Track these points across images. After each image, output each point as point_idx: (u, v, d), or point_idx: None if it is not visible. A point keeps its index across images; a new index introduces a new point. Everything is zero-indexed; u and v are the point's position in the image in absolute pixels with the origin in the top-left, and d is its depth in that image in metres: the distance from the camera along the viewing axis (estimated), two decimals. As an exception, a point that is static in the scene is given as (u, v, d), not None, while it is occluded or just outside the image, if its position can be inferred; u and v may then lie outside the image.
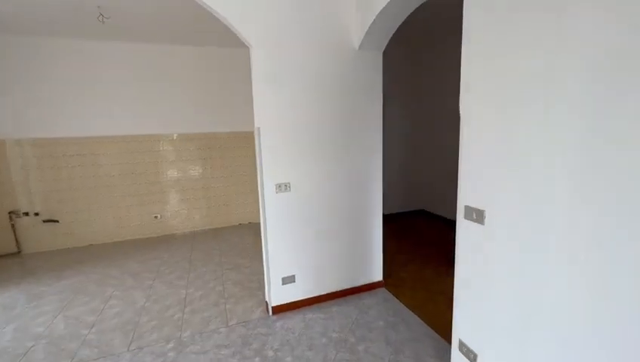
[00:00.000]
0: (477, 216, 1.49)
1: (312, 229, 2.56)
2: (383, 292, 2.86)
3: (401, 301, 2.69)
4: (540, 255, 1.22)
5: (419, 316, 2.47)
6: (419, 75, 5.06)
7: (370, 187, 2.70)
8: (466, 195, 1.55)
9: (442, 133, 4.75)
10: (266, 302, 2.63)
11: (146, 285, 3.15)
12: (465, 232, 1.58)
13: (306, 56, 2.35)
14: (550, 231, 1.17)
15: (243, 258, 3.74)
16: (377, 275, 2.91)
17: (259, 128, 2.29)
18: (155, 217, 4.66)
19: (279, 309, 2.56)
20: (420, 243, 3.99)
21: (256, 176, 5.00)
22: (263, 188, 2.36)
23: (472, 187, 1.51)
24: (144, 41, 4.20)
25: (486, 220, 1.45)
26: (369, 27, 2.34)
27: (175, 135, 4.61)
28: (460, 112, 1.54)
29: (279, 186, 2.40)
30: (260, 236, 4.45)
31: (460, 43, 1.49)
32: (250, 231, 4.72)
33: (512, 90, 1.28)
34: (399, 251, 3.71)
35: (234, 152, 4.93)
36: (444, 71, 4.59)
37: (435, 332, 2.28)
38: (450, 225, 4.64)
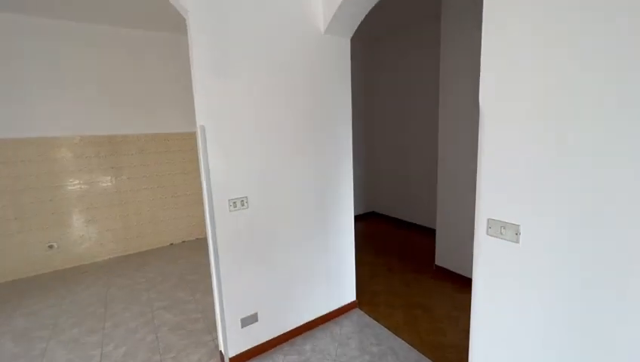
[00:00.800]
0: (508, 232, 1.20)
1: (276, 253, 2.05)
2: (358, 314, 2.49)
3: (380, 323, 2.36)
4: (607, 292, 0.97)
5: (405, 339, 2.17)
6: (372, 72, 4.89)
7: (341, 194, 2.31)
8: (491, 206, 1.25)
9: (394, 133, 4.65)
10: (220, 352, 2.03)
11: (38, 350, 2.23)
12: (489, 253, 1.28)
13: (263, 37, 1.84)
14: (625, 258, 0.92)
15: (181, 289, 3.00)
16: (350, 295, 2.54)
17: (203, 127, 1.70)
18: (50, 247, 3.52)
19: (239, 359, 1.99)
20: (381, 250, 3.77)
21: (190, 184, 4.21)
22: (211, 207, 1.77)
23: (499, 195, 1.22)
24: (23, 11, 3.10)
25: (522, 238, 1.17)
26: (337, 8, 1.95)
27: (77, 138, 3.56)
28: (481, 104, 1.24)
29: (233, 203, 1.84)
30: (203, 256, 3.84)
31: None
32: (187, 252, 3.92)
33: (564, 74, 1.00)
34: (362, 261, 3.42)
35: (159, 157, 4.06)
36: (400, 69, 4.48)
37: (429, 359, 1.99)
38: (405, 226, 4.56)
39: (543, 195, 1.10)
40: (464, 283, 2.86)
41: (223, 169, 1.78)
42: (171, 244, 4.23)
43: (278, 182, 1.99)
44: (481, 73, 1.23)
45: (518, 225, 1.17)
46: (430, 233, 4.15)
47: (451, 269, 3.00)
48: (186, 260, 3.68)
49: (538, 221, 1.12)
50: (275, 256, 2.05)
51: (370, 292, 2.80)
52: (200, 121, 1.70)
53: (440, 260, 3.12)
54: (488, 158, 1.24)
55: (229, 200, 1.82)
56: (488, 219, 1.27)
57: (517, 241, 1.18)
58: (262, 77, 1.86)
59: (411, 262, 3.38)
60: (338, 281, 2.43)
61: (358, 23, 2.17)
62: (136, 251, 4.00)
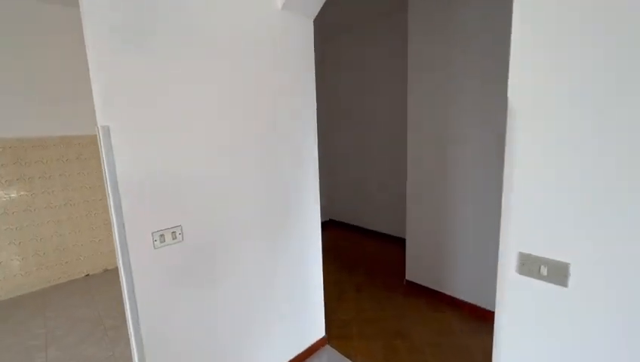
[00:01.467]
0: (551, 272, 0.89)
1: (225, 298, 1.54)
2: (329, 353, 2.08)
3: (357, 362, 1.98)
4: None
5: (387, 383, 1.82)
6: (328, 70, 4.53)
7: (305, 207, 1.88)
8: (525, 236, 0.94)
9: (354, 135, 4.35)
10: None
11: None
12: (519, 296, 0.96)
13: (197, 6, 1.33)
14: None
15: (94, 343, 2.27)
16: (319, 330, 2.12)
17: (106, 128, 1.13)
18: None
19: None
20: (345, 264, 3.42)
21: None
22: (123, 245, 1.20)
23: (539, 224, 0.90)
24: None
25: (572, 280, 0.86)
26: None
27: None
28: (511, 106, 0.91)
29: (160, 236, 1.29)
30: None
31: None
32: (108, 285, 3.13)
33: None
34: (326, 280, 3.02)
35: (70, 167, 3.20)
36: (360, 66, 4.18)
37: (420, 408, 1.66)
38: (367, 235, 4.29)
39: (607, 228, 0.79)
40: (438, 300, 2.63)
41: (140, 187, 1.22)
42: (87, 276, 3.36)
43: (225, 200, 1.49)
44: (512, 67, 0.90)
45: (568, 264, 0.86)
46: (396, 241, 3.92)
47: (424, 284, 2.76)
48: (105, 297, 2.91)
49: (599, 260, 0.82)
50: (224, 302, 1.54)
51: (339, 322, 2.41)
52: (102, 119, 1.13)
53: (411, 274, 2.86)
54: (523, 174, 0.92)
55: (152, 233, 1.27)
56: (520, 254, 0.95)
57: (564, 284, 0.87)
58: (197, 57, 1.35)
59: (380, 278, 3.07)
60: (306, 318, 1.99)
61: (322, 3, 1.77)
62: (38, 288, 3.09)
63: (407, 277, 2.89)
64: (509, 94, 0.91)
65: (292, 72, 1.71)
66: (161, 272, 1.31)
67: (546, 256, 0.90)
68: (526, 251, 0.93)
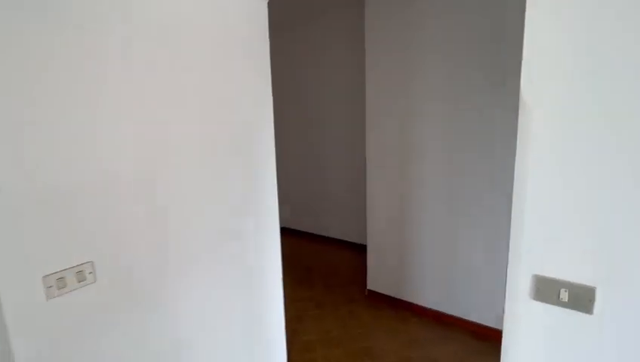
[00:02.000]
0: (573, 297, 0.76)
1: (159, 343, 1.17)
2: (293, 387, 1.81)
3: (325, 395, 1.74)
4: None
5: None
6: (278, 67, 4.22)
7: (263, 224, 1.58)
8: (542, 257, 0.80)
9: (306, 136, 4.11)
10: None
11: None
12: (534, 325, 0.82)
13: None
14: None
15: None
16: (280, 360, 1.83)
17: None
18: None
19: None
20: (302, 276, 3.17)
21: None
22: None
23: (557, 242, 0.77)
24: None
25: (597, 307, 0.74)
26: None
27: None
28: (525, 103, 0.77)
29: (58, 280, 0.89)
30: None
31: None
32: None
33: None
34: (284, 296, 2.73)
35: None
36: (313, 63, 3.95)
37: None
38: (324, 242, 4.08)
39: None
40: (402, 308, 2.53)
41: (21, 207, 0.82)
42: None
43: (160, 221, 1.13)
44: (526, 51, 0.76)
45: (594, 289, 0.74)
46: (356, 248, 3.77)
47: (386, 293, 2.64)
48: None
49: (630, 282, 0.70)
50: (156, 342, 1.17)
51: (302, 345, 2.15)
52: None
53: (372, 283, 2.73)
54: (539, 186, 0.77)
55: (44, 277, 0.87)
56: (535, 277, 0.80)
57: (589, 311, 0.74)
58: (120, 33, 0.98)
59: (341, 289, 2.88)
60: (265, 352, 1.69)
61: (278, -19, 1.51)
62: None
63: (368, 287, 2.75)
64: (522, 88, 0.77)
65: (242, 61, 1.41)
66: (62, 332, 0.91)
67: (567, 279, 0.77)
68: (542, 274, 0.79)
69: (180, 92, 1.15)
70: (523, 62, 0.76)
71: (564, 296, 0.78)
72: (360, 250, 3.64)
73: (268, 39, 1.53)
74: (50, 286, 0.88)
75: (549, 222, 0.77)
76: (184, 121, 1.17)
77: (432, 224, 2.33)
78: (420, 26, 2.18)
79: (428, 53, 2.18)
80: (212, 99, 1.27)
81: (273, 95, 1.58)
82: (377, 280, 2.69)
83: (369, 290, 2.74)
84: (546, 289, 0.80)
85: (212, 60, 1.26)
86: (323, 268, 3.32)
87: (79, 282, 0.93)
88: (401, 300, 2.56)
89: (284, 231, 4.45)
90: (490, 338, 2.16)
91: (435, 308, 2.39)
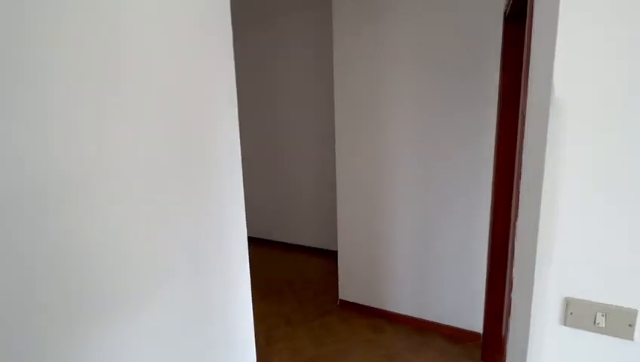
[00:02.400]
0: (612, 322, 0.67)
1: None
2: None
3: None
4: None
5: None
6: (240, 66, 3.88)
7: (227, 250, 1.33)
8: (573, 277, 0.70)
9: (270, 139, 3.83)
10: None
11: None
12: (568, 356, 0.73)
13: None
14: None
15: None
16: (251, 398, 1.59)
17: None
18: None
19: None
20: (270, 290, 2.92)
21: None
22: None
23: (594, 260, 0.68)
24: None
25: (638, 332, 0.66)
26: None
27: None
28: (557, 102, 0.66)
29: None
30: None
31: None
32: None
33: None
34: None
35: None
36: (277, 62, 3.69)
37: None
38: (291, 250, 3.86)
39: None
40: (377, 317, 2.43)
41: None
42: None
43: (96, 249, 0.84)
44: (560, 37, 0.65)
45: (635, 311, 0.65)
46: (326, 255, 3.60)
47: (359, 302, 2.52)
48: None
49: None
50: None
51: (274, 372, 1.93)
52: None
53: (345, 292, 2.59)
54: (572, 194, 0.67)
55: None
56: (567, 300, 0.70)
57: (629, 337, 0.66)
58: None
59: (311, 302, 2.70)
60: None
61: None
62: None
63: (340, 297, 2.61)
64: (555, 84, 0.66)
65: (200, 50, 1.16)
66: None
67: (605, 302, 0.68)
68: (576, 296, 0.70)
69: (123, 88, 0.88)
70: (555, 63, 0.65)
71: (601, 320, 0.69)
72: (332, 257, 3.49)
73: (230, 27, 1.29)
74: None
75: (584, 239, 0.68)
76: (118, 129, 0.89)
77: (405, 228, 2.26)
78: (391, 26, 2.09)
79: (399, 53, 2.10)
80: (164, 101, 1.00)
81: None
82: (350, 288, 2.56)
83: (341, 300, 2.60)
84: (580, 314, 0.71)
85: (162, 53, 1.00)
86: (292, 279, 3.11)
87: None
88: (376, 308, 2.46)
89: (249, 241, 4.13)
90: (466, 341, 2.14)
91: (410, 314, 2.33)
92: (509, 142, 1.67)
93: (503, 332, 1.81)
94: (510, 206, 1.71)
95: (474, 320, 2.13)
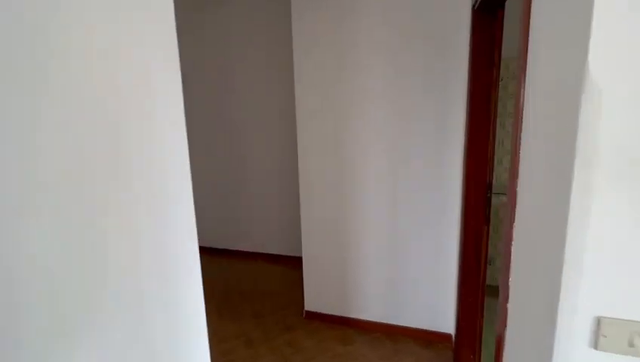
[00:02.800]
0: (651, 343, 0.58)
1: None
2: None
3: None
4: None
5: None
6: (184, 54, 3.45)
7: (173, 284, 1.06)
8: (606, 293, 0.59)
9: (222, 137, 3.48)
10: None
11: None
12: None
13: None
14: None
15: None
16: None
17: None
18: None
19: None
20: (227, 306, 2.61)
21: None
22: None
23: (631, 272, 0.57)
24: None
25: (681, 352, 0.57)
26: None
27: None
28: (592, 87, 0.54)
29: None
30: None
31: None
32: None
33: None
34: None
35: None
36: (226, 49, 3.33)
37: None
38: (247, 258, 3.55)
39: None
40: (346, 326, 2.28)
41: None
42: None
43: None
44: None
45: (679, 329, 0.56)
46: (289, 262, 3.36)
47: (327, 312, 2.35)
48: None
49: None
50: None
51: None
52: None
53: (311, 303, 2.40)
54: (607, 198, 0.56)
55: None
56: (599, 320, 0.60)
57: (669, 360, 0.56)
58: None
59: (274, 316, 2.46)
60: None
61: None
62: None
63: (306, 308, 2.41)
64: (591, 69, 0.54)
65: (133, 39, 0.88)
66: None
67: (643, 320, 0.58)
68: (610, 315, 0.59)
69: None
70: (591, 48, 0.53)
71: (639, 342, 0.59)
72: (296, 264, 3.27)
73: (172, 9, 1.02)
74: None
75: (620, 245, 0.57)
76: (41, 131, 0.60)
77: (372, 231, 2.15)
78: (356, 16, 1.96)
79: (364, 45, 1.97)
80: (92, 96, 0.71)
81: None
82: (316, 298, 2.38)
83: (307, 311, 2.41)
84: (614, 335, 0.60)
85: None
86: (253, 292, 2.83)
87: None
88: (344, 317, 2.31)
89: (204, 252, 3.72)
90: (436, 343, 2.09)
91: (380, 320, 2.22)
92: (479, 143, 1.63)
93: (483, 335, 1.78)
94: (481, 207, 1.67)
95: (444, 321, 2.09)
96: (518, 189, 0.88)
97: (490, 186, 1.65)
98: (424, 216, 2.02)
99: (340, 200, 2.19)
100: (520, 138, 0.87)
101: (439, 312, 2.09)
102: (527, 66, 0.83)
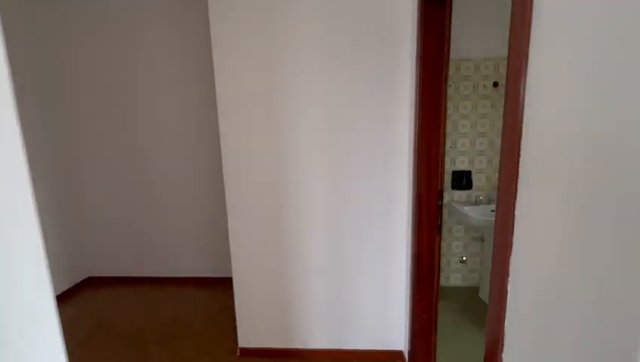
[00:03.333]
0: None
1: None
2: None
3: None
4: None
5: None
6: (57, 42, 2.62)
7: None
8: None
9: (121, 141, 2.79)
10: None
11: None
12: None
13: None
14: None
15: None
16: None
17: None
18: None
19: None
20: (132, 348, 2.04)
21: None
22: None
23: None
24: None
25: None
26: None
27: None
28: None
29: None
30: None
31: None
32: None
33: None
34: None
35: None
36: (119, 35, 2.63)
37: None
38: (165, 284, 2.93)
39: None
40: (291, 358, 1.97)
41: None
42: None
43: None
44: None
45: None
46: (217, 285, 2.86)
47: (266, 346, 1.99)
48: None
49: None
50: None
51: None
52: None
53: (246, 337, 2.01)
54: None
55: None
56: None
57: None
58: None
59: (199, 359, 2.00)
60: None
61: None
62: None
63: (241, 344, 2.02)
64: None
65: None
66: None
67: None
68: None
69: None
70: None
71: None
72: (228, 285, 2.80)
73: None
74: None
75: None
76: None
77: (313, 250, 1.87)
78: (288, 12, 1.65)
79: (299, 44, 1.68)
80: None
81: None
82: (252, 331, 2.01)
83: (242, 349, 2.02)
84: None
85: None
86: (173, 330, 2.28)
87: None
88: (286, 349, 1.99)
89: (96, 282, 2.95)
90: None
91: (328, 347, 1.97)
92: (431, 147, 1.49)
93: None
94: (434, 217, 1.54)
95: (394, 339, 1.95)
96: (520, 206, 0.70)
97: (441, 194, 1.53)
98: (369, 230, 1.84)
99: (274, 213, 1.86)
100: (520, 146, 0.69)
101: (389, 330, 1.94)
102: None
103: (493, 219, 2.10)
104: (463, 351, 1.96)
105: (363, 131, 1.74)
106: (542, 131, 0.64)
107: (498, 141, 2.38)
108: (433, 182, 1.51)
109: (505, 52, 0.74)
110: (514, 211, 0.70)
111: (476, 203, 2.48)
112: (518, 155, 0.69)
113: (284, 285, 1.93)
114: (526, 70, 0.67)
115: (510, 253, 0.73)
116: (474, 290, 2.60)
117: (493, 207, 2.39)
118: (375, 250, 1.85)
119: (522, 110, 0.68)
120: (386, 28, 1.63)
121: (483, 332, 1.95)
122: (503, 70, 2.25)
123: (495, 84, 2.36)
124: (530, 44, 0.65)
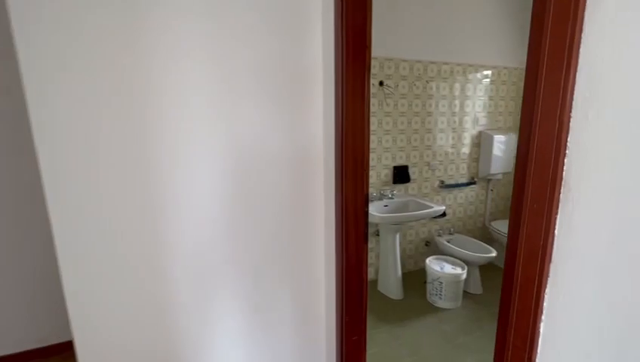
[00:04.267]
0: None
1: None
2: None
3: None
4: None
5: None
6: None
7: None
8: None
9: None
10: None
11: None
12: None
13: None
14: None
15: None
16: None
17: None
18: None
19: None
20: None
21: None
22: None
23: None
24: None
25: None
26: None
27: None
28: None
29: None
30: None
31: None
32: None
33: None
34: None
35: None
36: None
37: None
38: None
39: None
40: None
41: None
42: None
43: None
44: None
45: None
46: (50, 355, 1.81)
47: None
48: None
49: None
50: None
51: None
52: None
53: None
54: None
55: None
56: None
57: None
58: None
59: None
60: None
61: None
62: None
63: None
64: None
65: None
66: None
67: None
68: None
69: None
70: None
71: None
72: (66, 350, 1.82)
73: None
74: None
75: None
76: None
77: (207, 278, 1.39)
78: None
79: (171, 48, 1.14)
80: None
81: None
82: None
83: None
84: None
85: None
86: None
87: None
88: None
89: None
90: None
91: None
92: (357, 145, 1.30)
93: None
94: (361, 225, 1.36)
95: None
96: (562, 221, 0.55)
97: (367, 199, 1.37)
98: (279, 236, 1.51)
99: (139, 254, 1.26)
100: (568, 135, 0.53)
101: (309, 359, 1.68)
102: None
103: (389, 215, 2.11)
104: (374, 353, 1.92)
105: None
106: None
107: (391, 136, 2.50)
108: (359, 183, 1.33)
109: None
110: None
111: (370, 200, 2.53)
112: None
113: (156, 341, 1.36)
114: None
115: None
116: (372, 284, 2.66)
117: (385, 202, 2.49)
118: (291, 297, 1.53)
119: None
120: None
121: (387, 326, 1.99)
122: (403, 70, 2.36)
123: (381, 83, 2.45)
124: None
